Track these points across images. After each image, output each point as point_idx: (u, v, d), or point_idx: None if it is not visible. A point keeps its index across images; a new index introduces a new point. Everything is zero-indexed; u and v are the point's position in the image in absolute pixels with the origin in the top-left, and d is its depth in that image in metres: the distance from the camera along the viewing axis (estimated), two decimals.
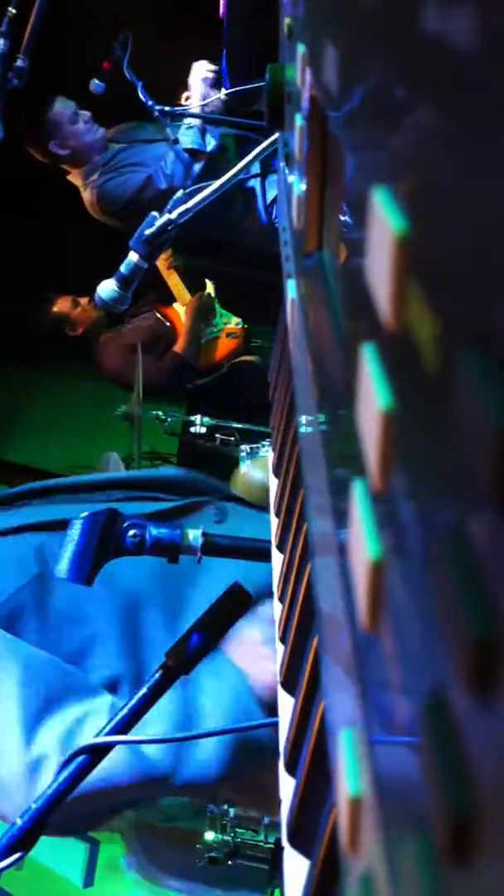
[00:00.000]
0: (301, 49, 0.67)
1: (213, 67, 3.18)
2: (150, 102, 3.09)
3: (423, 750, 0.23)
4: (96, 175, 3.33)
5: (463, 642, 0.21)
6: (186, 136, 3.18)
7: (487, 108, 0.23)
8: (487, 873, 0.20)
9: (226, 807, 2.33)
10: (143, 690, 1.27)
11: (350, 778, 0.34)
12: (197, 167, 3.20)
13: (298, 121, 0.70)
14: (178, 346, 3.58)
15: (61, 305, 3.61)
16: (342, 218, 0.45)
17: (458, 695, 0.22)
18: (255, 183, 3.31)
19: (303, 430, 0.67)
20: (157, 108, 3.09)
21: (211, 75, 3.18)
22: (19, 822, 1.23)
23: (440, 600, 0.23)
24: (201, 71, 3.21)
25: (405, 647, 0.27)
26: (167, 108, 3.11)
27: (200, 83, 3.21)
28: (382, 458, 0.29)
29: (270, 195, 3.31)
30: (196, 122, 3.17)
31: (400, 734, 0.28)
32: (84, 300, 3.57)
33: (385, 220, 0.29)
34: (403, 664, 0.28)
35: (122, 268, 1.87)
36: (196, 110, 3.16)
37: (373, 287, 0.31)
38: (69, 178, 3.43)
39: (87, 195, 3.39)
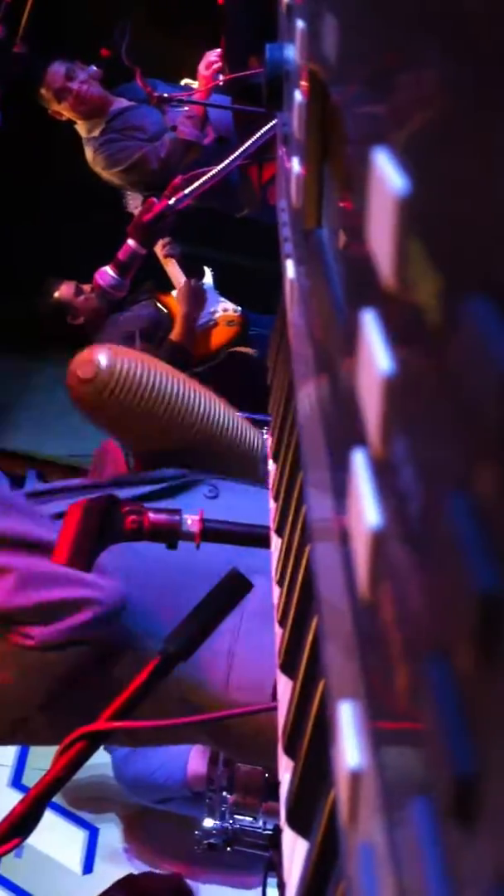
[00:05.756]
0: (300, 24, 0.66)
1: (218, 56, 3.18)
2: (148, 88, 3.09)
3: (425, 710, 0.23)
4: (98, 132, 3.37)
5: (465, 602, 0.21)
6: (185, 127, 3.18)
7: (488, 71, 0.23)
8: (490, 836, 0.20)
9: (224, 793, 2.33)
10: (142, 676, 1.27)
11: (349, 750, 0.33)
12: (192, 156, 3.20)
13: (297, 97, 0.69)
14: (175, 334, 3.57)
15: (64, 292, 3.58)
16: (342, 187, 0.45)
17: (461, 655, 0.21)
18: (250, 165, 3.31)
19: (302, 407, 0.66)
20: (156, 94, 3.08)
21: (217, 64, 3.17)
22: (18, 807, 1.23)
23: (442, 560, 0.22)
24: (209, 60, 3.20)
25: (406, 613, 0.27)
26: (165, 95, 3.10)
27: (207, 72, 3.20)
28: (383, 423, 0.29)
29: (266, 175, 3.31)
30: (196, 110, 3.16)
31: (400, 703, 0.28)
32: (88, 287, 3.55)
33: (386, 182, 0.29)
34: (404, 630, 0.27)
35: (120, 254, 1.87)
36: (196, 96, 3.16)
37: (373, 251, 0.31)
38: (76, 127, 3.46)
39: (88, 150, 3.44)
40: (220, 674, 1.45)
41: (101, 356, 1.64)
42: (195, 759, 2.44)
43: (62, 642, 1.39)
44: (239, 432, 1.79)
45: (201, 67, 3.19)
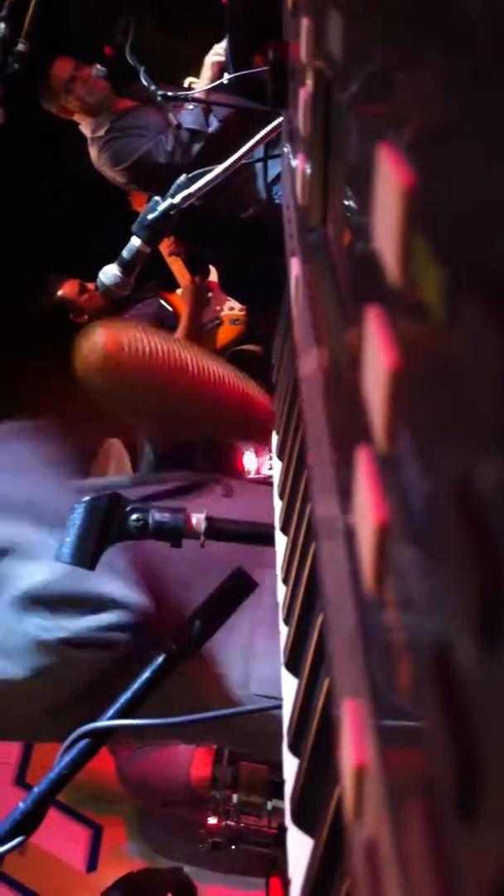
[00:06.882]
0: (305, 21, 0.66)
1: (224, 51, 3.16)
2: (152, 87, 3.08)
3: (429, 706, 0.23)
4: (103, 132, 3.37)
5: (468, 600, 0.21)
6: (188, 116, 3.18)
7: (488, 68, 0.23)
8: (493, 830, 0.20)
9: (229, 792, 2.33)
10: (147, 674, 1.27)
11: (354, 748, 0.33)
12: (197, 146, 3.19)
13: (302, 95, 0.69)
14: (179, 332, 3.57)
15: (67, 290, 3.57)
16: (348, 184, 0.45)
17: (464, 650, 0.21)
18: (256, 164, 3.30)
19: (307, 404, 0.66)
20: (160, 93, 3.08)
21: (222, 59, 3.16)
22: (21, 805, 1.23)
23: (447, 555, 0.22)
24: (215, 54, 3.19)
25: (410, 608, 0.27)
26: (169, 94, 3.10)
27: (212, 66, 3.19)
28: (389, 420, 0.29)
29: (271, 174, 3.30)
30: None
31: (404, 700, 0.28)
32: (92, 286, 3.54)
33: (391, 177, 0.29)
34: (409, 628, 0.27)
35: (125, 253, 1.86)
36: (200, 94, 3.15)
37: (379, 246, 0.31)
38: (80, 127, 3.46)
39: (92, 150, 3.43)
40: (238, 673, 1.44)
41: (102, 336, 1.66)
42: (199, 763, 2.42)
43: (89, 640, 1.38)
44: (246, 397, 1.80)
45: (206, 60, 3.19)
